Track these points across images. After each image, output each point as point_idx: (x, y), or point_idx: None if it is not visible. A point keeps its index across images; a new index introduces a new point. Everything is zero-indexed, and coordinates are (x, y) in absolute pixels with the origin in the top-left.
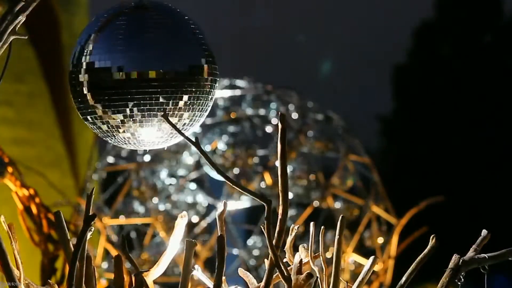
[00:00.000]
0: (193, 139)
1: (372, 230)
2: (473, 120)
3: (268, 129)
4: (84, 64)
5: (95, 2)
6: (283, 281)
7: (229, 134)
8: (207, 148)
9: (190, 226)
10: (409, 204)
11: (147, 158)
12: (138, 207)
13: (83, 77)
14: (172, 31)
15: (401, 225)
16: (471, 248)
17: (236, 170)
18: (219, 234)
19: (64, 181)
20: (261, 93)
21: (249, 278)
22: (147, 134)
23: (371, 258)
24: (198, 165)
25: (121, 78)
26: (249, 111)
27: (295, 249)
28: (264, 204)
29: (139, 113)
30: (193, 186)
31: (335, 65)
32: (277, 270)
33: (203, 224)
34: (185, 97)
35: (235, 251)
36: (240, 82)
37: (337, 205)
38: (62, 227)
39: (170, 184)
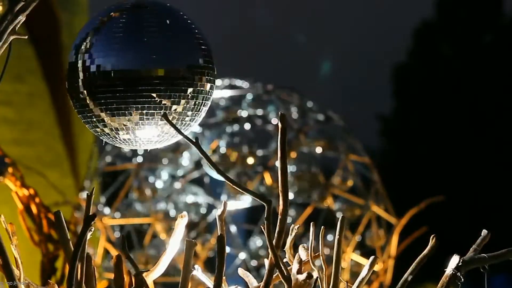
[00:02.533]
0: (193, 139)
1: (372, 230)
2: (473, 120)
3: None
4: (81, 63)
5: (95, 2)
6: (283, 281)
7: (229, 134)
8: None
9: (190, 226)
10: (409, 204)
11: (140, 159)
12: (138, 207)
13: (80, 77)
14: (171, 30)
15: (401, 225)
16: (471, 248)
17: (235, 170)
18: (219, 234)
19: (64, 181)
20: (261, 93)
21: (249, 278)
22: (146, 134)
23: (371, 258)
24: (198, 165)
25: (118, 77)
26: (249, 111)
27: (295, 249)
28: (264, 204)
29: (137, 112)
30: (193, 186)
31: (335, 65)
32: (277, 270)
33: (203, 224)
34: (184, 97)
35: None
36: (240, 82)
37: (337, 205)
38: (62, 227)
39: (170, 184)
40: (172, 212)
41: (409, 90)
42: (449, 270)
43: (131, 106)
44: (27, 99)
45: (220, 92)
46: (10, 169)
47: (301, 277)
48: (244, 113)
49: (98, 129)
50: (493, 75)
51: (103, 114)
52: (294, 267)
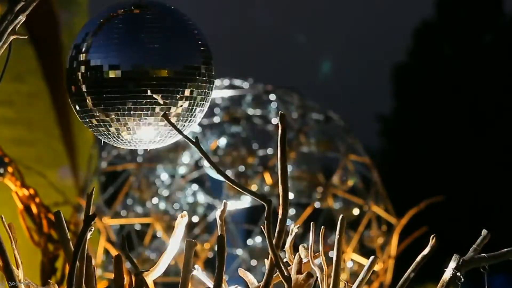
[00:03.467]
0: (193, 139)
1: (372, 230)
2: (473, 120)
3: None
4: (81, 63)
5: (95, 2)
6: (283, 281)
7: (229, 134)
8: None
9: (190, 226)
10: (409, 204)
11: (140, 159)
12: (138, 207)
13: (79, 76)
14: (170, 30)
15: (401, 225)
16: (471, 248)
17: (236, 170)
18: (219, 234)
19: (64, 181)
20: (261, 93)
21: (249, 278)
22: (144, 134)
23: (371, 258)
24: (198, 165)
25: (118, 77)
26: (249, 111)
27: (295, 249)
28: (264, 204)
29: (136, 112)
30: (193, 186)
31: (335, 65)
32: (277, 270)
33: (203, 224)
34: (183, 97)
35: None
36: (240, 82)
37: (337, 205)
38: (62, 227)
39: (170, 184)
40: (172, 212)
41: (409, 90)
42: (449, 270)
43: (130, 106)
44: (27, 99)
45: (220, 92)
46: (10, 169)
47: (301, 277)
48: (244, 113)
49: (97, 129)
50: (493, 75)
51: (102, 114)
52: (294, 267)
